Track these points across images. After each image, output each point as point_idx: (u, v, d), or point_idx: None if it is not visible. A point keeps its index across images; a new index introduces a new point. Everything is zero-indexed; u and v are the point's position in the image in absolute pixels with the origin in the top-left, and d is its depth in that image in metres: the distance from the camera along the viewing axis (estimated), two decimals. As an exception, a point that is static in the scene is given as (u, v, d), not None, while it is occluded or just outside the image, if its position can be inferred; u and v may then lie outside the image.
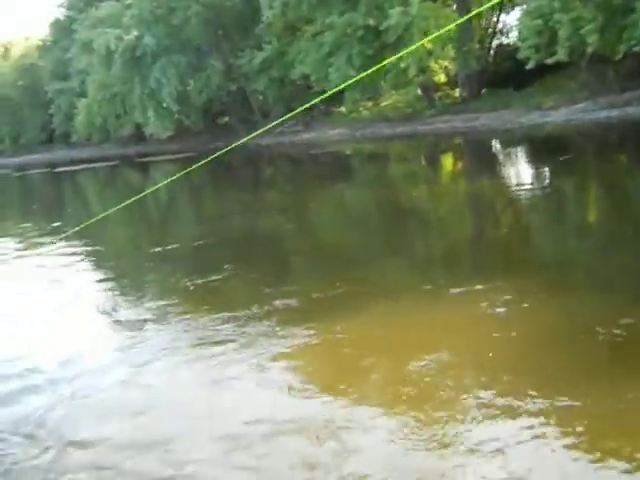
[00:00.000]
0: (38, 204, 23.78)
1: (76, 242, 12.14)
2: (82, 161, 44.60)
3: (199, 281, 8.24)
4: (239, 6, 41.10)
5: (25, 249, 12.63)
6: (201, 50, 44.47)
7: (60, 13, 64.21)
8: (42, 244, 12.63)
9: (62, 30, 61.83)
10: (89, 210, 20.41)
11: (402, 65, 28.62)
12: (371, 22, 29.05)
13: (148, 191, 5.08)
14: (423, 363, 4.88)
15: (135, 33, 43.07)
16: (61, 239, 12.10)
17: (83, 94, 53.95)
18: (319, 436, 4.07)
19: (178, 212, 17.44)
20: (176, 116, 42.89)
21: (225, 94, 43.02)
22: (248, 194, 18.72)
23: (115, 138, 54.39)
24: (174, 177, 5.03)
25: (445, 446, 3.82)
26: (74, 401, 5.02)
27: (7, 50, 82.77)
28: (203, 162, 7.11)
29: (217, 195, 19.97)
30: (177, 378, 5.28)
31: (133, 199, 5.27)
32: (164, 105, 43.93)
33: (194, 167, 7.64)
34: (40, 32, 75.14)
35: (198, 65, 43.48)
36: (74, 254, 11.21)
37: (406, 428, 4.03)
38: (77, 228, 10.74)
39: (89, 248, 11.67)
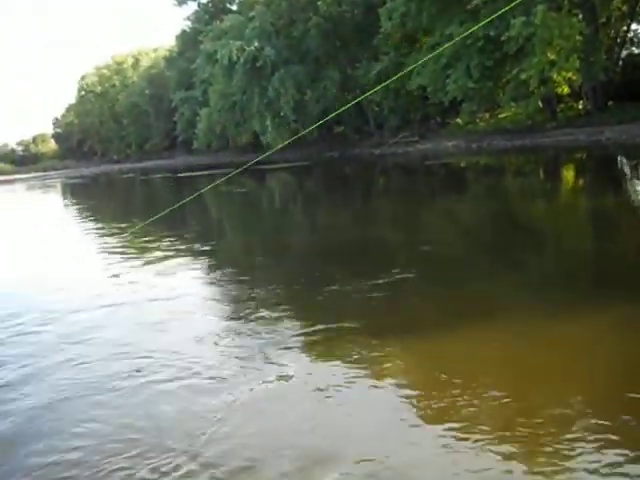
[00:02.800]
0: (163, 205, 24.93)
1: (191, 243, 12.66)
2: (202, 167, 46.44)
3: (306, 291, 8.33)
4: (358, 18, 41.53)
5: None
6: (319, 61, 45.27)
7: (186, 25, 67.33)
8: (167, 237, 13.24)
9: (188, 41, 64.88)
10: (208, 213, 21.18)
11: (523, 76, 27.84)
12: (491, 32, 28.46)
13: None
14: (537, 387, 4.67)
15: (256, 44, 44.48)
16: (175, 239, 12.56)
17: (205, 103, 56.33)
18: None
19: (291, 219, 17.72)
20: (292, 125, 43.81)
21: (341, 104, 43.47)
22: (360, 204, 18.76)
23: (233, 146, 56.35)
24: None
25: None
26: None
27: (137, 61, 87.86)
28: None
29: (329, 204, 20.13)
30: (286, 386, 5.31)
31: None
32: (281, 114, 45.02)
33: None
34: (167, 44, 79.15)
35: (316, 75, 44.28)
36: (195, 252, 11.64)
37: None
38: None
39: (210, 248, 12.10)
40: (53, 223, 21.73)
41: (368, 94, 8.49)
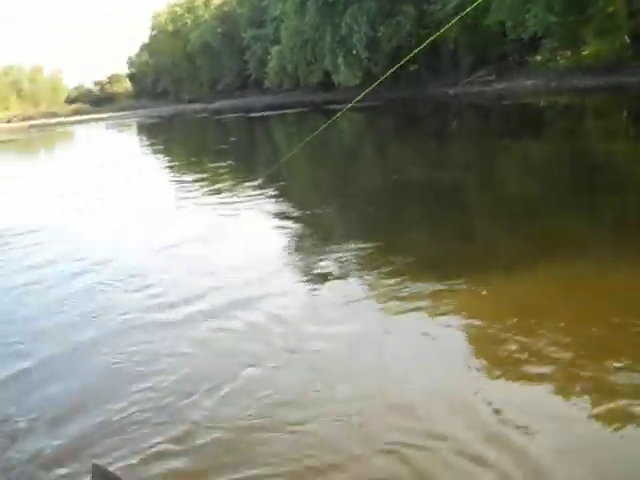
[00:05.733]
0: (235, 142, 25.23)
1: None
2: (273, 107, 46.44)
3: (374, 232, 8.41)
4: (435, -51, 39.91)
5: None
6: (393, -4, 43.91)
7: (259, -39, 66.14)
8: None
9: (260, -22, 63.83)
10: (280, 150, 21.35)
11: (609, 9, 26.33)
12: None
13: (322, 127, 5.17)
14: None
15: (329, -20, 43.51)
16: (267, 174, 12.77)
17: (277, 41, 55.82)
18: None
19: (360, 161, 17.64)
20: (364, 63, 43.00)
21: (416, 41, 42.24)
22: (433, 146, 18.46)
23: (304, 85, 55.86)
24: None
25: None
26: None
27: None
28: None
29: (399, 146, 19.89)
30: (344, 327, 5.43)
31: (314, 134, 5.49)
32: (353, 52, 44.19)
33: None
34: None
35: (389, 11, 43.05)
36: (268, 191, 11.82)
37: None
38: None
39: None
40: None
41: (443, 29, 8.26)
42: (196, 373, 4.76)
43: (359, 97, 6.34)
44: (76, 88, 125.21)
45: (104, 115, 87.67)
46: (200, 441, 3.83)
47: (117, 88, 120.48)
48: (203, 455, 3.70)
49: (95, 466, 2.36)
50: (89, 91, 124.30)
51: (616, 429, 3.60)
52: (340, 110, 7.61)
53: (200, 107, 68.56)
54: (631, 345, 4.47)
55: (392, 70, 7.02)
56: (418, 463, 3.43)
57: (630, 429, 3.60)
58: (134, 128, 52.53)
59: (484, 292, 5.69)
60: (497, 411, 3.83)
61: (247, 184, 13.50)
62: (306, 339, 5.14)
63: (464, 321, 5.19)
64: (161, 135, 40.21)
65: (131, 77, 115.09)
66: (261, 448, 3.69)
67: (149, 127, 51.10)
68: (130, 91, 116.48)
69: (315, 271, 6.96)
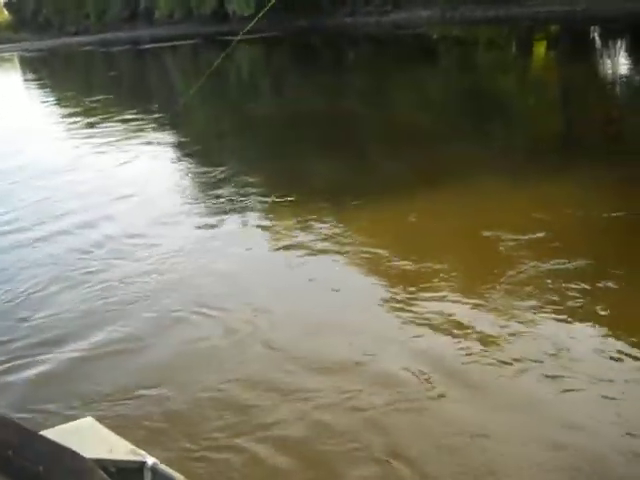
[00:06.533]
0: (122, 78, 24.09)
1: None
2: (164, 39, 44.49)
3: (272, 160, 8.36)
4: None
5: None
6: None
7: None
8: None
9: None
10: (174, 86, 20.55)
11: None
12: None
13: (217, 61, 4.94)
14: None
15: None
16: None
17: (166, -33, 53.04)
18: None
19: (257, 93, 17.29)
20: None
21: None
22: (329, 76, 18.30)
23: (197, 16, 53.71)
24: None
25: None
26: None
27: None
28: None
29: (297, 76, 19.61)
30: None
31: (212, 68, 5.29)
32: (247, -20, 42.69)
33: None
34: None
35: None
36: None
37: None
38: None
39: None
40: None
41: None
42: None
43: (250, 25, 6.07)
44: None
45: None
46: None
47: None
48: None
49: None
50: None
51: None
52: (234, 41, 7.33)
53: (86, 40, 64.72)
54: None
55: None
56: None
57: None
58: (15, 62, 49.14)
59: (375, 216, 5.80)
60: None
61: (134, 117, 12.96)
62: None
63: (357, 243, 5.25)
64: (43, 69, 37.81)
65: (8, 6, 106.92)
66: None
67: (30, 61, 47.92)
68: (9, 22, 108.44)
69: (208, 203, 6.83)
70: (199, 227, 6.09)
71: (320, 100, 13.37)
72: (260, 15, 6.52)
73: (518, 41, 23.46)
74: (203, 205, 6.80)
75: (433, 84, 14.57)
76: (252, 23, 6.03)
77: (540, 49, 20.73)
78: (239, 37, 6.30)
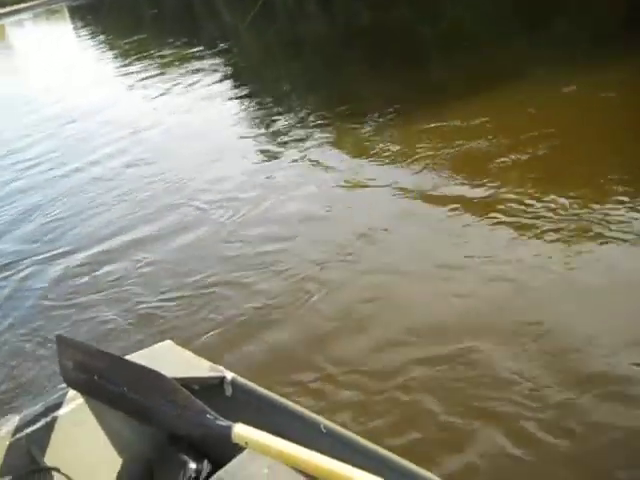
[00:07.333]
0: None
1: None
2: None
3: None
4: None
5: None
6: None
7: None
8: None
9: None
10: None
11: None
12: None
13: None
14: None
15: None
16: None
17: None
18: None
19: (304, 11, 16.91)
20: None
21: None
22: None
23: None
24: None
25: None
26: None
27: None
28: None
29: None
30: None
31: None
32: None
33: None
34: None
35: None
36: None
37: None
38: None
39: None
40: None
41: None
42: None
43: None
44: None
45: (31, 3, 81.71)
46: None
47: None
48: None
49: (59, 337, 2.33)
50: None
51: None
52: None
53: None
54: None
55: None
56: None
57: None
58: (65, 13, 49.27)
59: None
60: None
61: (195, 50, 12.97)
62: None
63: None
64: (94, 17, 37.83)
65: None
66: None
67: (79, 10, 47.93)
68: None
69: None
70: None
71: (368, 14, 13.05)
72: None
73: None
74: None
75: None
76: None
77: None
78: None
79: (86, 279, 4.53)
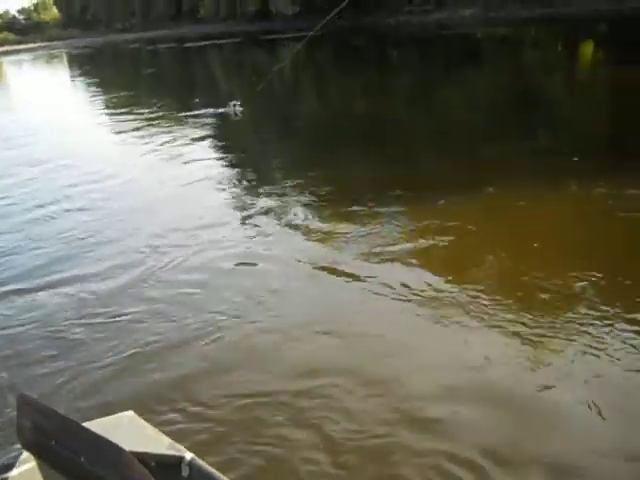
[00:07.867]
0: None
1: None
2: (208, 37, 44.95)
3: (317, 159, 8.41)
4: None
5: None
6: None
7: None
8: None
9: None
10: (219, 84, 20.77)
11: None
12: None
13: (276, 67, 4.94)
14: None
15: None
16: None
17: (212, -33, 53.64)
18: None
19: (302, 92, 17.37)
20: (303, -9, 41.96)
21: (353, -31, 41.16)
22: (372, 76, 18.29)
23: (241, 14, 54.15)
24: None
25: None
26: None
27: None
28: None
29: (340, 77, 19.63)
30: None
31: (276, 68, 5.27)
32: (291, -21, 43.00)
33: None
34: None
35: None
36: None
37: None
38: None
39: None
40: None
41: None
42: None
43: (322, 22, 5.92)
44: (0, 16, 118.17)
45: (32, 45, 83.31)
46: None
47: (44, 16, 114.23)
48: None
49: (21, 396, 2.31)
50: (14, 18, 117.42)
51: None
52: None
53: (132, 37, 65.77)
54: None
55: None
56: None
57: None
58: (64, 59, 50.20)
59: (419, 214, 5.84)
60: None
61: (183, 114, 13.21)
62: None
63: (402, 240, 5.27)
64: (91, 67, 38.55)
65: (58, 4, 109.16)
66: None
67: (78, 58, 48.88)
68: (58, 19, 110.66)
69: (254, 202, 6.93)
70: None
71: (362, 101, 13.45)
72: (335, 12, 6.37)
73: (564, 41, 23.07)
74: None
75: (478, 85, 14.44)
76: (325, 21, 5.87)
77: (587, 49, 20.35)
78: (312, 32, 6.18)
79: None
